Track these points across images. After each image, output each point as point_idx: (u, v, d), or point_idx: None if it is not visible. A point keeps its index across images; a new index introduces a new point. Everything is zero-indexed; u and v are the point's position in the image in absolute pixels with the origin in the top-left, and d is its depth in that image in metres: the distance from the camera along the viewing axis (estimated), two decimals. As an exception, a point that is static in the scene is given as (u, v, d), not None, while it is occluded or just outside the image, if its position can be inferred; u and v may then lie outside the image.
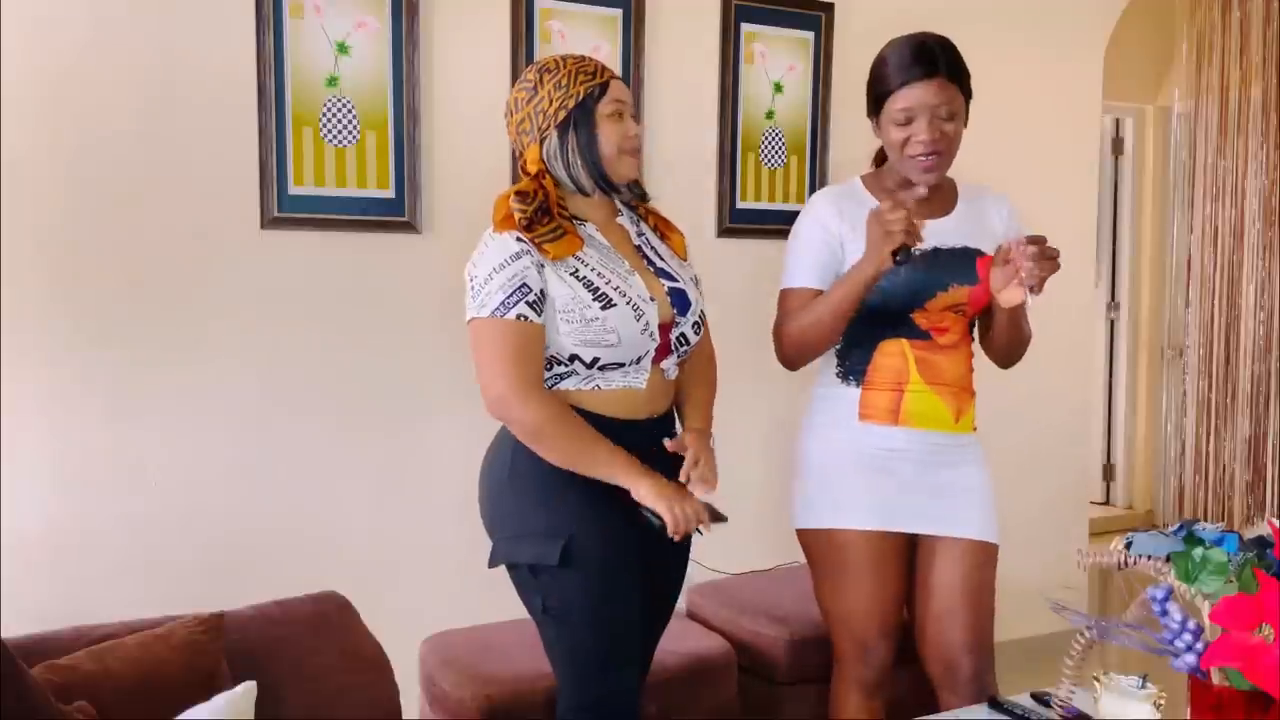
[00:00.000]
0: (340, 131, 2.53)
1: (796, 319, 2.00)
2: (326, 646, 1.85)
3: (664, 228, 1.96)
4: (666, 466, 1.83)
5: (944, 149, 1.98)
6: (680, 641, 2.50)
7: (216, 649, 1.68)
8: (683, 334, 1.86)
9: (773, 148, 3.08)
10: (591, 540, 1.74)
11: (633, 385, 1.79)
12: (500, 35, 2.70)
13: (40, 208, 2.30)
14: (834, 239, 2.02)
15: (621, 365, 1.77)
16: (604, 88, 1.78)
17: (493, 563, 1.83)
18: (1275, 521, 1.32)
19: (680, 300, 1.85)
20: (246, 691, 1.58)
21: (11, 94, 2.24)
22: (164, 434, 2.42)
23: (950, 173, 2.06)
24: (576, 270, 1.74)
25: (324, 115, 2.51)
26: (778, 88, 3.07)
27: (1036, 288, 1.88)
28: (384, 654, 1.90)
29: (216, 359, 2.46)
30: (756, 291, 3.05)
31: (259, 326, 2.50)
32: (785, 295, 2.06)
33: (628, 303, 1.75)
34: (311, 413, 2.56)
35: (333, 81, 2.52)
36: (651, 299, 1.79)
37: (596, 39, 2.81)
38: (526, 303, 1.70)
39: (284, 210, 2.49)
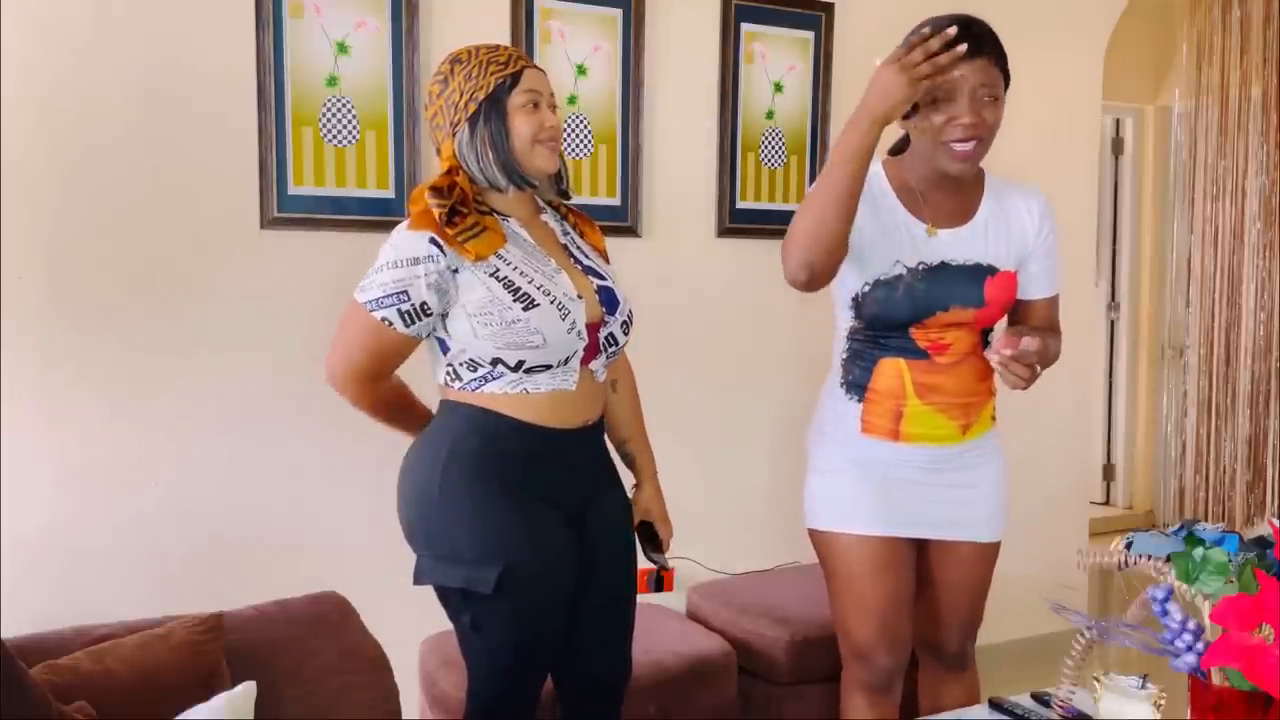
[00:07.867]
0: (340, 131, 2.53)
1: (796, 219, 1.80)
2: (326, 646, 1.85)
3: (584, 225, 1.91)
4: (602, 475, 1.85)
5: (984, 135, 1.84)
6: (680, 641, 2.50)
7: (216, 649, 1.68)
8: (611, 334, 1.81)
9: (773, 148, 3.08)
10: (526, 566, 1.70)
11: (561, 387, 1.73)
12: (500, 35, 2.69)
13: (40, 208, 2.30)
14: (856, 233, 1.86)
15: (549, 367, 1.71)
16: (516, 77, 1.72)
17: (419, 580, 1.76)
18: (1275, 521, 1.32)
19: (609, 299, 1.81)
20: (246, 691, 1.58)
21: (11, 94, 2.24)
22: (164, 434, 2.42)
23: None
24: (497, 270, 1.68)
25: (324, 115, 2.51)
26: (778, 88, 3.07)
27: (1021, 385, 1.77)
28: (384, 654, 1.90)
29: (216, 359, 2.46)
30: (756, 291, 3.07)
31: (259, 326, 2.50)
32: None
33: (552, 302, 1.69)
34: (311, 413, 2.55)
35: (333, 81, 2.52)
36: (579, 297, 1.74)
37: (596, 39, 2.81)
38: (398, 311, 1.66)
39: (284, 210, 2.49)
